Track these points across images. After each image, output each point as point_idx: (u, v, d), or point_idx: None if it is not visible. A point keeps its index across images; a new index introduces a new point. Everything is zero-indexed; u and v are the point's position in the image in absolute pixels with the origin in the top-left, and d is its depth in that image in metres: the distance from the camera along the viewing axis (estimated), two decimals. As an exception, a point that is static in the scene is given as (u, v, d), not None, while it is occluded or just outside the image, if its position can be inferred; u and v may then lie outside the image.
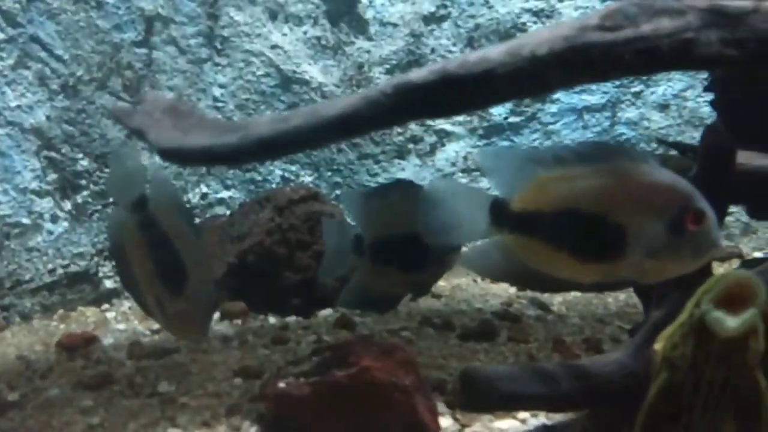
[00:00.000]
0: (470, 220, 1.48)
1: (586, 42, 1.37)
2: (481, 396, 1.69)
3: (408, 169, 3.59)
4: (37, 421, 1.94)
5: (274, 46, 3.44)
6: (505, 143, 3.62)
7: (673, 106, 3.61)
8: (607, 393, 1.65)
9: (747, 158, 1.84)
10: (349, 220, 2.50)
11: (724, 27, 1.39)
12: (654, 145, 3.51)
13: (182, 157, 1.73)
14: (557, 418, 1.78)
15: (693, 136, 3.46)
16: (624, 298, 2.82)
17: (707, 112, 3.41)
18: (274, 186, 3.39)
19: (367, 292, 2.06)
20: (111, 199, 3.17)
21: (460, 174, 3.62)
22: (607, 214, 1.41)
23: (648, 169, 1.41)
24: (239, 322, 2.70)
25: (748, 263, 2.20)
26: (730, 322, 1.07)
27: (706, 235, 1.38)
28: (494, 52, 1.39)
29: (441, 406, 1.81)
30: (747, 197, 2.07)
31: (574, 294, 2.88)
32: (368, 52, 3.53)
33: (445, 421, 1.77)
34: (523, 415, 1.80)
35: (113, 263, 3.05)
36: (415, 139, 3.60)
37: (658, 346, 1.16)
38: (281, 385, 1.80)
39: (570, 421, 1.76)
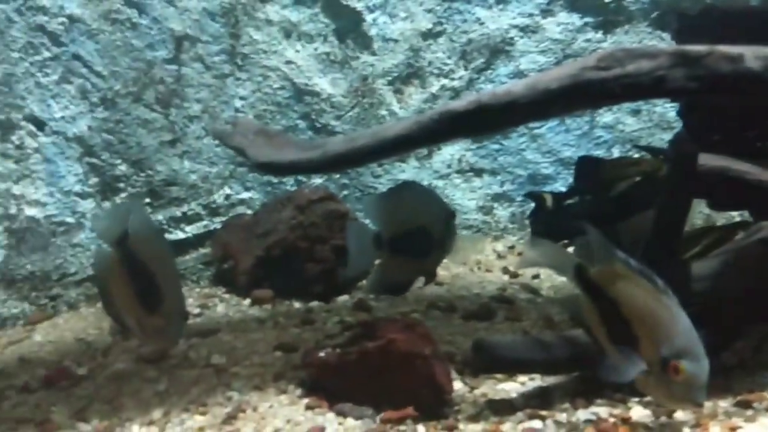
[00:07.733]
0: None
1: (586, 78, 1.72)
2: (489, 360, 2.03)
3: (408, 171, 3.83)
4: (109, 389, 2.21)
5: (288, 62, 3.70)
6: (496, 146, 3.94)
7: (644, 111, 3.85)
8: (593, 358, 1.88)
9: (706, 160, 2.09)
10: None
11: (686, 66, 1.73)
12: (628, 146, 3.84)
13: (275, 170, 2.04)
14: (551, 380, 2.03)
15: (661, 138, 3.73)
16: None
17: (673, 117, 3.63)
18: (288, 188, 3.61)
19: (388, 280, 2.35)
20: (143, 203, 3.45)
21: (455, 174, 3.90)
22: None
23: None
24: (268, 306, 2.98)
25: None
26: None
27: None
28: (517, 86, 1.73)
29: (452, 373, 2.06)
30: (707, 193, 2.35)
31: (561, 279, 3.17)
32: (372, 65, 3.81)
33: (456, 385, 2.04)
34: (522, 378, 2.06)
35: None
36: (416, 145, 3.86)
37: None
38: (321, 354, 2.08)
39: (561, 382, 2.01)
